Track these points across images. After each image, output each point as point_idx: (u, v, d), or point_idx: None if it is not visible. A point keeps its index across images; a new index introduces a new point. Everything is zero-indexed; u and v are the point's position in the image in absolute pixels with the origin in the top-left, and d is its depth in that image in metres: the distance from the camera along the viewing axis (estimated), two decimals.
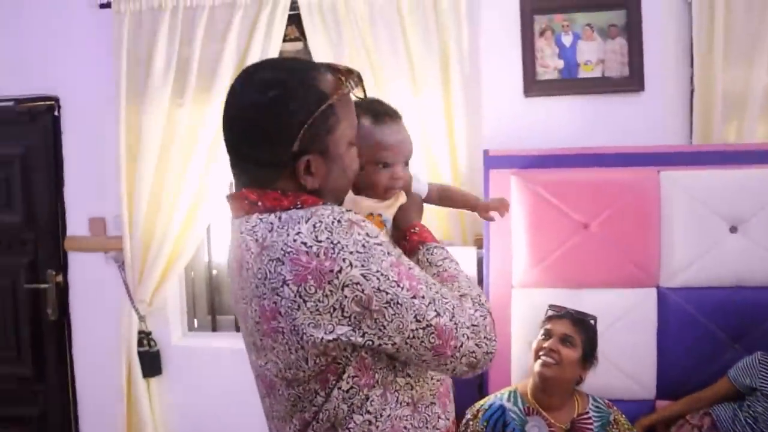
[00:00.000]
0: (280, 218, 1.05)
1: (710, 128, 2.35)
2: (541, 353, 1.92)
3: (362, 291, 0.99)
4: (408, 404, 1.12)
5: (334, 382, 1.07)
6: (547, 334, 1.95)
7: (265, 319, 1.05)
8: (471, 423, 1.95)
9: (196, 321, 3.01)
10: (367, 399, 1.08)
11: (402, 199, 1.30)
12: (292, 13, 2.55)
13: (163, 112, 2.62)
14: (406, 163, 1.28)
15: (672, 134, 2.42)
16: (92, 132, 2.82)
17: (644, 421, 2.12)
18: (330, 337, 1.01)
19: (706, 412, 2.04)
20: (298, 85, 1.05)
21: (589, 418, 1.94)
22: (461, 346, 1.04)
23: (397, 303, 1.01)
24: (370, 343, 1.02)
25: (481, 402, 2.01)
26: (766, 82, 2.32)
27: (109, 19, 2.66)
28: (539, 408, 1.93)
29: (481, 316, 1.08)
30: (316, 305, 1.00)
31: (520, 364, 2.22)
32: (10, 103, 2.91)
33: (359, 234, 1.01)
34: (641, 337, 2.19)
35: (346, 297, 0.99)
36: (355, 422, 1.08)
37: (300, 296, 1.00)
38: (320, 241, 0.99)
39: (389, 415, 1.10)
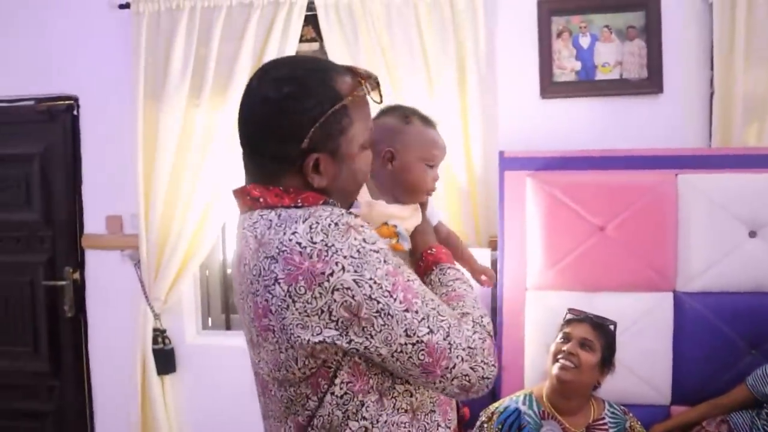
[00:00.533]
0: (279, 216, 1.04)
1: (730, 131, 2.32)
2: (559, 356, 1.90)
3: (352, 297, 0.97)
4: (406, 411, 1.09)
5: (326, 387, 1.05)
6: (566, 338, 1.93)
7: (258, 316, 1.04)
8: (485, 426, 1.94)
9: (210, 319, 3.03)
10: (363, 405, 1.06)
11: (418, 215, 1.30)
12: (308, 13, 2.56)
13: (180, 112, 2.64)
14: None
15: (691, 137, 2.39)
16: (110, 131, 2.85)
17: (659, 427, 2.09)
18: (316, 339, 0.99)
19: (723, 419, 2.01)
20: (313, 82, 1.04)
21: (605, 423, 1.92)
22: (453, 367, 1.01)
23: (388, 314, 0.98)
24: (355, 350, 1.01)
25: (496, 404, 2.00)
26: None
27: (128, 19, 2.69)
28: (555, 412, 1.92)
29: (479, 338, 1.04)
30: (305, 306, 0.98)
31: (534, 366, 2.20)
32: (30, 103, 2.95)
33: (356, 239, 0.99)
34: (657, 341, 2.16)
35: (335, 301, 0.98)
36: (351, 429, 1.06)
37: (290, 296, 0.99)
38: (315, 243, 0.98)
39: (386, 422, 1.08)
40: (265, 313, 1.02)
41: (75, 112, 2.92)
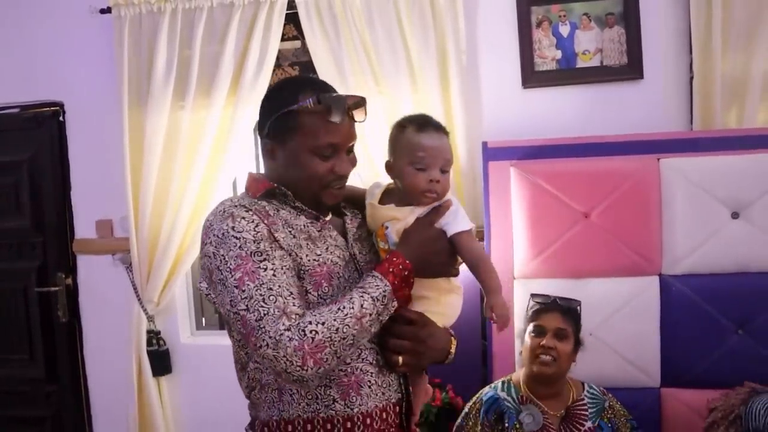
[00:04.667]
0: (230, 197, 1.37)
1: (710, 114, 2.34)
2: (538, 352, 1.91)
3: (210, 264, 1.26)
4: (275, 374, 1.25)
5: (231, 329, 1.34)
6: (541, 331, 1.94)
7: None
8: (470, 415, 1.98)
9: (203, 319, 3.04)
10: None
11: (411, 219, 1.34)
12: (289, 11, 2.57)
13: (165, 114, 2.65)
14: (444, 172, 1.36)
15: (672, 121, 2.41)
16: (97, 136, 2.86)
17: None
18: (200, 285, 1.33)
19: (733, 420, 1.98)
20: (284, 90, 1.35)
21: (584, 404, 1.94)
22: (260, 347, 1.18)
23: (224, 284, 1.23)
24: (214, 302, 1.30)
25: (477, 394, 2.03)
26: (766, 67, 2.30)
27: (110, 23, 2.70)
28: (533, 397, 1.94)
29: (289, 338, 1.16)
30: (200, 261, 1.31)
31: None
32: (16, 110, 2.96)
33: (227, 225, 1.25)
34: (644, 325, 2.18)
35: (205, 264, 1.29)
36: (250, 367, 1.33)
37: (200, 251, 1.32)
38: (208, 221, 1.30)
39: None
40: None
41: (61, 118, 2.93)
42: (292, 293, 1.22)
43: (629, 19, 2.42)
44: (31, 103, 2.94)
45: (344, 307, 1.22)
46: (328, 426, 1.29)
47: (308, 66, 2.63)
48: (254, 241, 1.24)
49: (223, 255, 1.23)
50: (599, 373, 2.12)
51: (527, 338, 1.97)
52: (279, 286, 1.21)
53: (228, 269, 1.22)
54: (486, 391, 2.01)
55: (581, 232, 2.23)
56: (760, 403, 1.91)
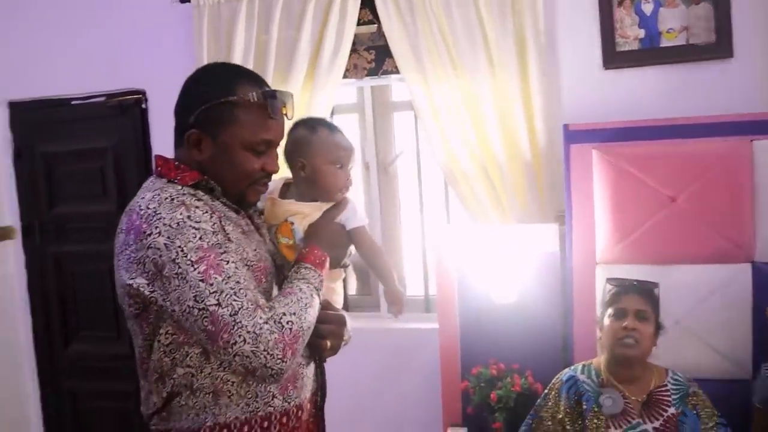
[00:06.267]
0: (151, 182, 1.28)
1: None
2: (620, 335, 1.87)
3: (160, 256, 1.15)
4: (234, 372, 1.21)
5: (151, 334, 1.23)
6: (621, 313, 1.90)
7: (114, 255, 1.25)
8: (549, 396, 1.98)
9: None
10: (187, 355, 1.22)
11: (316, 214, 1.43)
12: None
13: None
14: (350, 169, 1.49)
15: (765, 101, 2.30)
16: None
17: None
18: (130, 282, 1.19)
19: None
20: (218, 76, 1.30)
21: (667, 390, 1.90)
22: (235, 344, 1.12)
23: (184, 278, 1.14)
24: (155, 299, 1.18)
25: (557, 375, 2.02)
26: None
27: (189, 12, 2.77)
28: (614, 381, 1.91)
29: (269, 330, 1.14)
30: (129, 255, 1.19)
31: None
32: (102, 99, 3.07)
33: (182, 214, 1.17)
34: (735, 314, 2.10)
35: (148, 256, 1.16)
36: (177, 373, 1.23)
37: (125, 243, 1.20)
38: (149, 208, 1.18)
39: (210, 374, 1.23)
40: (113, 254, 1.25)
41: (143, 106, 3.03)
42: (255, 287, 1.21)
43: None
44: (115, 92, 3.05)
45: (301, 298, 1.23)
46: (266, 424, 1.27)
47: (384, 50, 2.63)
48: (213, 233, 1.19)
49: (179, 247, 1.15)
50: (685, 362, 2.05)
51: (607, 321, 1.94)
52: (244, 279, 1.18)
53: (188, 262, 1.14)
54: (565, 372, 2.00)
55: (667, 216, 2.17)
56: None
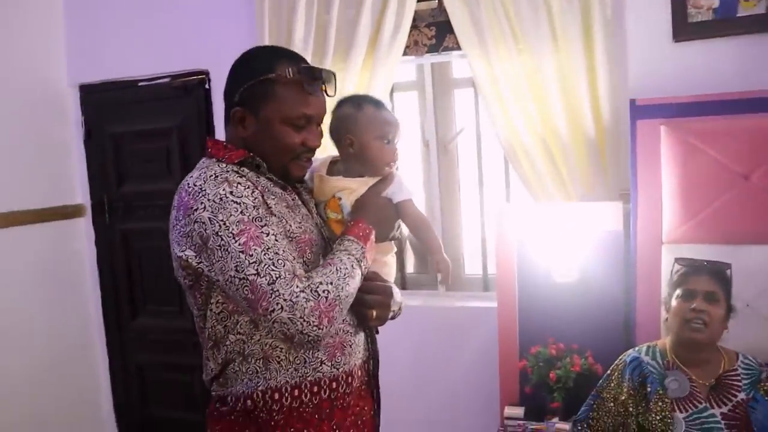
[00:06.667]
0: (202, 162, 1.37)
1: None
2: (689, 317, 1.82)
3: (205, 230, 1.22)
4: (282, 339, 1.26)
5: (203, 304, 1.31)
6: (690, 294, 1.84)
7: (169, 230, 1.33)
8: (612, 377, 1.94)
9: None
10: (237, 323, 1.29)
11: (363, 189, 1.46)
12: None
13: None
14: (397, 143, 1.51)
15: None
16: None
17: None
18: (181, 254, 1.27)
19: None
20: (259, 58, 1.37)
21: (738, 375, 1.84)
22: (272, 311, 1.18)
23: (226, 250, 1.20)
24: (202, 270, 1.26)
25: (620, 356, 1.98)
26: None
27: None
28: (680, 364, 1.86)
29: (305, 298, 1.19)
30: (180, 230, 1.27)
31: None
32: (167, 80, 3.16)
33: (224, 189, 1.23)
34: None
35: (194, 230, 1.24)
36: (230, 340, 1.30)
37: (176, 219, 1.29)
38: (196, 185, 1.26)
39: (259, 340, 1.29)
40: (169, 228, 1.33)
41: (207, 86, 3.09)
42: (295, 257, 1.25)
43: None
44: (179, 73, 3.13)
45: (341, 269, 1.27)
46: (315, 389, 1.32)
47: (445, 26, 2.61)
48: (254, 207, 1.24)
49: (222, 220, 1.21)
50: (756, 346, 1.96)
51: (674, 303, 1.88)
52: (284, 251, 1.23)
53: (230, 234, 1.20)
54: (629, 353, 1.96)
55: (739, 194, 2.08)
56: None
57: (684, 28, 2.31)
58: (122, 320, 3.41)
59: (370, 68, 2.65)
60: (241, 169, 1.32)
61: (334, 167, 1.53)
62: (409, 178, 2.67)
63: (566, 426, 2.09)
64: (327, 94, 1.38)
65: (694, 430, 1.80)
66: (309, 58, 2.70)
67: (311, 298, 1.19)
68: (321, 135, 1.41)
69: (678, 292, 1.88)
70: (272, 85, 1.32)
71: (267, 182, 1.35)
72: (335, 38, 2.68)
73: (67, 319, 3.29)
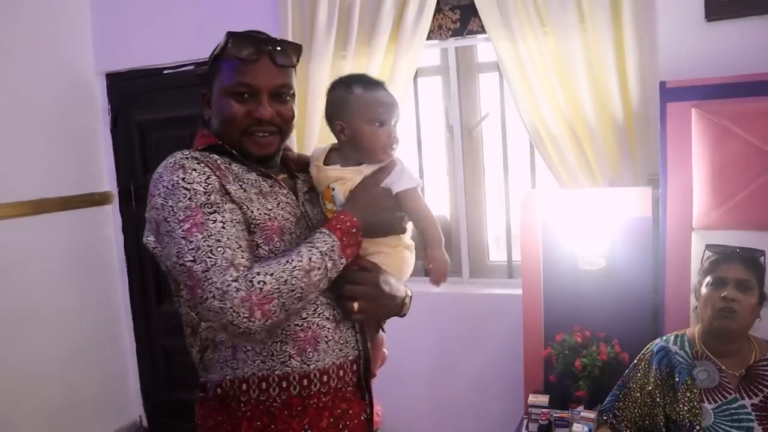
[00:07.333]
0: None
1: None
2: (719, 305, 1.77)
3: (158, 215, 1.23)
4: (221, 329, 1.24)
5: (176, 291, 1.31)
6: (721, 282, 1.79)
7: None
8: (639, 366, 1.91)
9: None
10: None
11: (357, 179, 1.36)
12: None
13: (327, 65, 2.71)
14: (395, 125, 1.39)
15: None
16: None
17: None
18: (145, 241, 1.29)
19: None
20: (224, 38, 1.32)
21: None
22: (206, 300, 1.14)
23: (171, 236, 1.19)
24: (158, 255, 1.27)
25: (647, 345, 1.94)
26: None
27: None
28: (709, 354, 1.82)
29: (236, 288, 1.14)
30: (147, 215, 1.28)
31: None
32: (191, 67, 3.16)
33: (177, 176, 1.21)
34: None
35: (152, 216, 1.25)
36: (202, 327, 1.29)
37: (147, 207, 1.29)
38: (157, 173, 1.25)
39: None
40: None
41: None
42: (240, 246, 1.20)
43: None
44: (204, 60, 3.09)
45: (292, 260, 1.20)
46: (284, 384, 1.27)
47: (469, 9, 2.56)
48: (204, 193, 1.21)
49: (171, 206, 1.20)
50: None
51: (704, 290, 1.83)
52: (228, 238, 1.18)
53: (176, 220, 1.19)
54: (656, 342, 1.92)
55: None
56: None
57: (717, 7, 2.24)
58: (149, 306, 3.46)
59: (394, 53, 2.62)
60: (208, 155, 1.29)
61: (332, 155, 1.43)
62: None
63: (591, 415, 2.06)
64: (277, 64, 1.32)
65: (723, 422, 1.76)
66: (331, 44, 2.69)
67: (243, 288, 1.14)
68: (286, 111, 1.36)
69: (708, 279, 1.83)
70: (217, 61, 1.32)
71: (241, 168, 1.31)
72: (358, 23, 2.65)
73: (96, 304, 3.34)
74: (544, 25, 2.38)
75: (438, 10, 2.61)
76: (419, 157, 2.96)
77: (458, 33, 2.65)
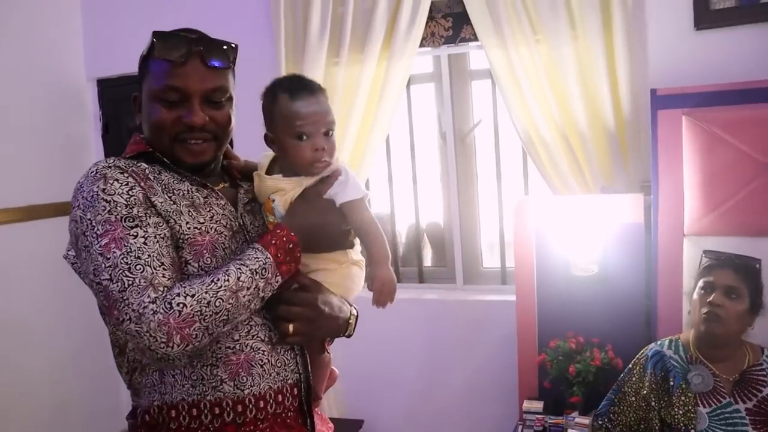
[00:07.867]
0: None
1: None
2: (704, 309, 1.79)
3: (77, 228, 1.13)
4: (140, 354, 1.16)
5: (100, 309, 1.20)
6: (710, 287, 1.81)
7: None
8: (633, 371, 1.92)
9: None
10: None
11: (297, 190, 1.25)
12: None
13: (320, 71, 2.71)
14: (326, 134, 1.25)
15: None
16: (255, 93, 2.95)
17: None
18: (65, 255, 1.22)
19: None
20: (150, 37, 1.22)
21: (763, 369, 1.81)
22: (123, 322, 1.05)
23: (89, 251, 1.10)
24: (77, 271, 1.19)
25: (642, 350, 1.96)
26: None
27: None
28: (703, 358, 1.84)
29: (152, 311, 1.04)
30: (68, 228, 1.17)
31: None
32: None
33: (97, 186, 1.12)
34: None
35: (71, 229, 1.15)
36: (129, 348, 1.20)
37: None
38: (78, 182, 1.16)
39: None
40: None
41: None
42: (163, 264, 1.09)
43: None
44: None
45: (218, 279, 1.10)
46: (216, 410, 1.16)
47: (462, 16, 2.58)
48: (126, 206, 1.11)
49: (90, 219, 1.10)
50: None
51: (695, 295, 1.86)
52: (149, 256, 1.09)
53: (94, 234, 1.09)
54: (651, 347, 1.93)
55: (764, 185, 2.04)
56: None
57: (706, 16, 2.28)
58: None
59: (387, 60, 2.63)
60: (135, 163, 1.19)
61: (275, 164, 1.31)
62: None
63: (586, 420, 2.07)
64: (209, 66, 1.21)
65: (717, 425, 1.78)
66: (324, 50, 2.70)
67: (160, 311, 1.04)
68: (222, 117, 1.24)
69: (699, 284, 1.85)
70: (146, 62, 1.21)
71: (173, 177, 1.21)
72: (351, 30, 2.66)
73: (87, 312, 3.28)
74: (535, 33, 2.40)
75: (430, 17, 2.63)
76: (412, 164, 2.97)
77: (451, 40, 2.67)
